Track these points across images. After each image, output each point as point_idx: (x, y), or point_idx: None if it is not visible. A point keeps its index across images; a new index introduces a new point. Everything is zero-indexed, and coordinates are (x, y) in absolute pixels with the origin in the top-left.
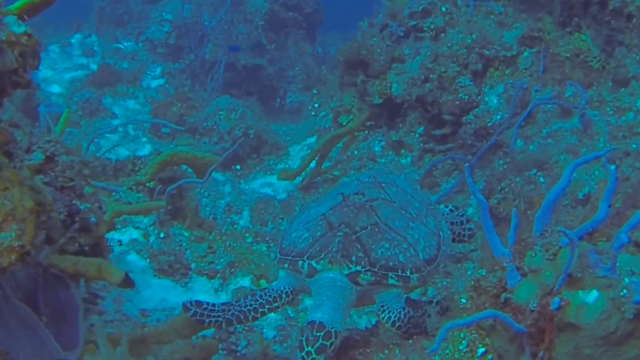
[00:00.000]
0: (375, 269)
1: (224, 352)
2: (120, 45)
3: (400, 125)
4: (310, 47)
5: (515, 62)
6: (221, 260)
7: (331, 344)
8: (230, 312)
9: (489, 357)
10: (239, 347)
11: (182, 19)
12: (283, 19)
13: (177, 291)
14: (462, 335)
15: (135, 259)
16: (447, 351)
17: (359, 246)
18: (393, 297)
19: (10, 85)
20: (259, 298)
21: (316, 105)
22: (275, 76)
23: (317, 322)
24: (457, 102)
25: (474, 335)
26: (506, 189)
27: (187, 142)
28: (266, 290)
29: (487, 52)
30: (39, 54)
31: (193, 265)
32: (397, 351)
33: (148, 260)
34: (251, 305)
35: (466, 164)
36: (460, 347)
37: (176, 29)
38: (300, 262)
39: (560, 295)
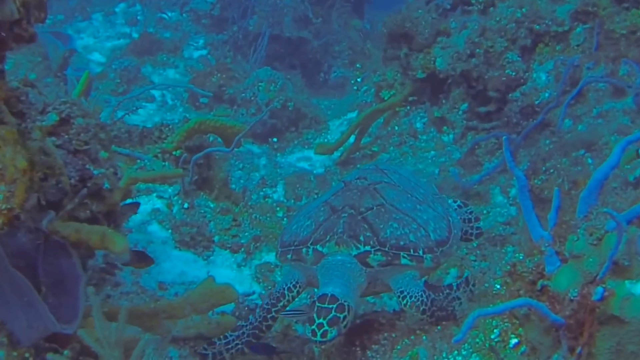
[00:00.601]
0: (386, 249)
1: None
2: (164, 15)
3: (444, 101)
4: (360, 22)
5: (567, 38)
6: (246, 234)
7: (344, 317)
8: (246, 334)
9: (522, 349)
10: None
11: None
12: None
13: (198, 264)
14: (494, 323)
15: (157, 229)
16: (478, 340)
17: (366, 226)
18: (409, 279)
19: (12, 39)
20: (265, 305)
21: (359, 80)
22: (320, 50)
23: (330, 294)
24: (504, 79)
25: (506, 324)
26: (551, 170)
27: (224, 112)
28: (270, 294)
29: (538, 27)
30: (45, 6)
31: (216, 238)
32: (424, 337)
33: (170, 231)
34: (260, 315)
35: (504, 137)
36: (492, 336)
37: (221, 0)
38: (304, 250)
39: (603, 285)
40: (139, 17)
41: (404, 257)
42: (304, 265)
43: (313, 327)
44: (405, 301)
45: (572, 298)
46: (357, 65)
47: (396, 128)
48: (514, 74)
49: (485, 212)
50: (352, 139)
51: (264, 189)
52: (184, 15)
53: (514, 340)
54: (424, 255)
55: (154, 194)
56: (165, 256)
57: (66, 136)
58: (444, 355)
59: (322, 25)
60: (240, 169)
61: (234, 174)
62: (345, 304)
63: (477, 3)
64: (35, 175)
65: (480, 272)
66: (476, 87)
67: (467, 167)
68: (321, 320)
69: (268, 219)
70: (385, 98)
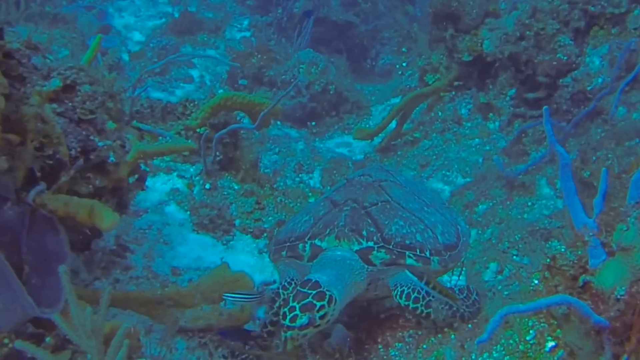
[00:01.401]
0: (390, 246)
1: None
2: None
3: (491, 86)
4: (412, 8)
5: (624, 20)
6: (270, 218)
7: (321, 306)
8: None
9: (559, 353)
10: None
11: None
12: None
13: (217, 249)
14: (530, 323)
15: (174, 210)
16: (512, 341)
17: (369, 221)
18: (409, 277)
19: None
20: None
21: (404, 65)
22: (367, 35)
23: (313, 280)
24: (555, 63)
25: (543, 324)
26: (602, 159)
27: (264, 95)
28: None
29: (592, 9)
30: None
31: (237, 222)
32: (452, 336)
33: (188, 212)
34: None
35: (545, 107)
36: (527, 338)
37: None
38: (300, 245)
39: None
40: None
41: (409, 256)
42: (300, 263)
43: (285, 309)
44: (396, 291)
45: (618, 297)
46: (403, 50)
47: (440, 114)
48: (565, 58)
49: (530, 204)
50: (393, 124)
51: (300, 175)
52: None
53: (551, 344)
54: (431, 257)
55: (175, 173)
56: (182, 239)
57: (69, 104)
58: (472, 357)
59: (370, 10)
60: (277, 154)
61: (269, 158)
62: (327, 293)
63: None
64: (29, 144)
65: (519, 267)
66: (525, 72)
67: (512, 156)
68: (294, 304)
69: (298, 204)
70: (430, 82)
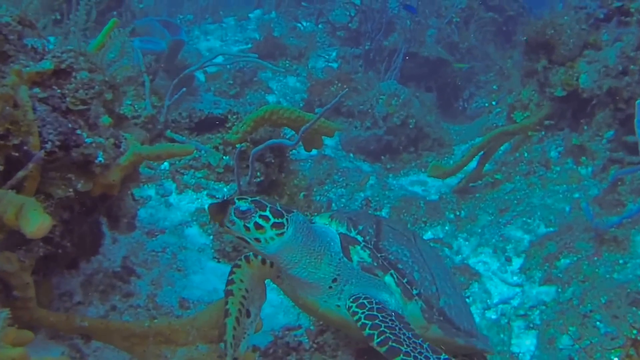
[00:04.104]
0: (379, 255)
1: None
2: (299, 25)
3: (585, 127)
4: (517, 54)
5: None
6: None
7: (266, 217)
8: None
9: None
10: None
11: (368, 3)
12: (481, 19)
13: None
14: None
15: (196, 233)
16: None
17: (373, 228)
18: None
19: None
20: None
21: (494, 103)
22: (461, 75)
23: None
24: None
25: None
26: None
27: (338, 125)
28: None
29: None
30: None
31: None
32: None
33: (211, 237)
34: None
35: (638, 101)
36: None
37: (361, 13)
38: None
39: None
40: (272, 25)
41: (391, 275)
42: None
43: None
44: (349, 302)
45: None
46: (494, 87)
47: (525, 155)
48: None
49: (621, 262)
50: (473, 164)
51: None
52: (319, 26)
53: None
54: (415, 297)
55: (205, 192)
56: (198, 267)
57: (58, 90)
58: None
59: (467, 50)
60: (344, 187)
61: (335, 191)
62: (286, 221)
63: (637, 12)
64: None
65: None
66: (626, 111)
67: (605, 206)
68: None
69: None
70: (518, 120)
